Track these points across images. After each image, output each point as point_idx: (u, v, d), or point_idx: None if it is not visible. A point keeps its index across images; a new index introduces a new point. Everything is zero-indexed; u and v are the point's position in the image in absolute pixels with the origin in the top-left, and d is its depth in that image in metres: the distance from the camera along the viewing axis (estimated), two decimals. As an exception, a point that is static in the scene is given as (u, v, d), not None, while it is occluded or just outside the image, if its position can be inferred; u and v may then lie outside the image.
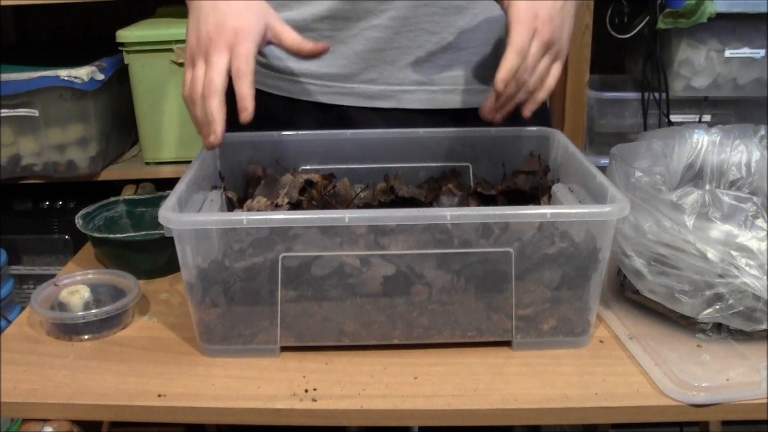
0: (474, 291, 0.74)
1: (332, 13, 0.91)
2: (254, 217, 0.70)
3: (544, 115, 1.04)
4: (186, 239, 0.71)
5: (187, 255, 0.72)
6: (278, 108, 0.98)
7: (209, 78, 0.75)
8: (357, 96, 0.95)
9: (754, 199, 0.75)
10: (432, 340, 0.76)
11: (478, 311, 0.75)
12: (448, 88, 0.95)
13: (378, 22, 0.90)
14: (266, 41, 0.80)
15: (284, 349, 0.76)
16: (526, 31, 0.79)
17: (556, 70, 0.83)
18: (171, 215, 0.69)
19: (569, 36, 0.84)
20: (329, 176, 0.92)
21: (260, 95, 0.96)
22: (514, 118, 0.98)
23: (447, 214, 0.70)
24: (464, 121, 0.97)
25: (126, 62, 1.45)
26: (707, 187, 0.90)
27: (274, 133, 0.94)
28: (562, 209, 0.76)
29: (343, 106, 0.96)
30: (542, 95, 0.83)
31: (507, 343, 0.76)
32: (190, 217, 0.72)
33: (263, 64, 0.97)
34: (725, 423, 1.63)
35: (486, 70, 0.95)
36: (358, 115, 0.96)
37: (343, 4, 0.90)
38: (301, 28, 0.93)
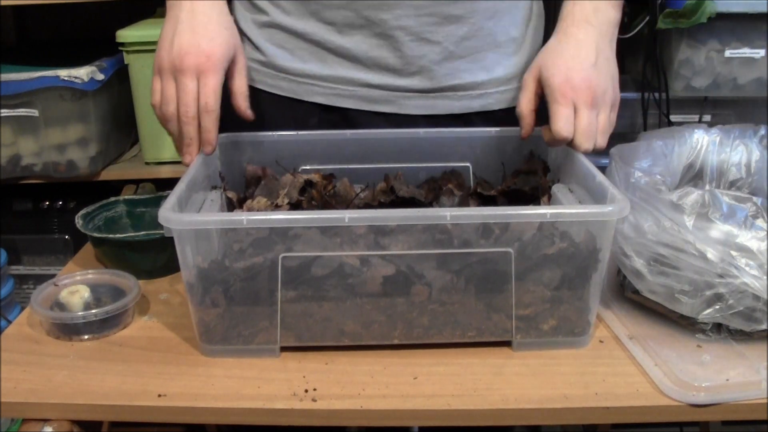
0: (474, 291, 0.74)
1: (332, 20, 0.91)
2: (254, 217, 0.70)
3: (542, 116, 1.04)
4: (186, 239, 0.71)
5: (187, 255, 0.72)
6: (279, 108, 0.98)
7: (202, 99, 0.81)
8: (358, 99, 0.95)
9: (754, 199, 0.75)
10: (432, 340, 0.76)
11: (478, 311, 0.75)
12: (448, 95, 0.95)
13: (378, 30, 0.91)
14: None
15: (284, 349, 0.76)
16: (564, 111, 0.81)
17: (612, 117, 0.85)
18: (171, 215, 0.69)
19: (616, 78, 0.85)
20: (329, 176, 0.92)
21: (261, 94, 0.97)
22: (511, 119, 0.98)
23: (447, 214, 0.70)
24: (466, 122, 0.97)
25: (126, 62, 1.45)
26: (707, 187, 0.90)
27: (274, 133, 0.94)
28: (562, 209, 0.76)
29: (345, 108, 0.96)
30: (601, 142, 0.84)
31: (507, 343, 0.76)
32: (190, 217, 0.72)
33: (264, 63, 0.96)
34: (725, 423, 1.63)
35: (484, 74, 0.95)
36: (360, 117, 0.96)
37: (343, 11, 0.90)
38: (301, 33, 0.93)
